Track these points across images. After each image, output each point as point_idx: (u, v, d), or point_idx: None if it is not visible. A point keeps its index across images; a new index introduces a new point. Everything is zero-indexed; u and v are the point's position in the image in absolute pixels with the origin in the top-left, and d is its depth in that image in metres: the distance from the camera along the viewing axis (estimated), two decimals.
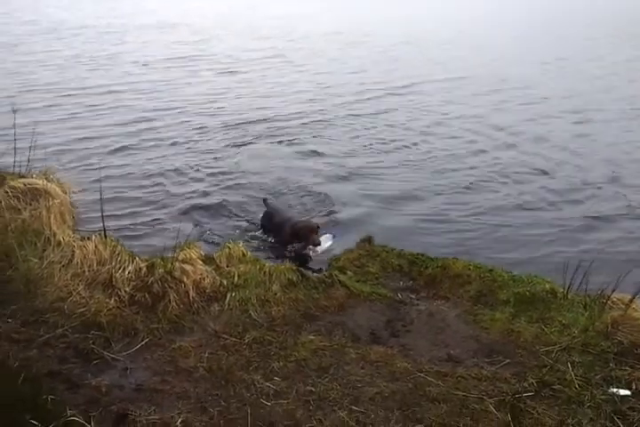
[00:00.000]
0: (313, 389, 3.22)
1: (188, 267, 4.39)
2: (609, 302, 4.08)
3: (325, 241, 5.60)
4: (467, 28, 27.41)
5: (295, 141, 9.81)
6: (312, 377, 3.33)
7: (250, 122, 10.73)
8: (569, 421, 2.98)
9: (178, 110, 11.40)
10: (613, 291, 4.05)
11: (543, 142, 10.04)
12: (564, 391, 3.21)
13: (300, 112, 11.63)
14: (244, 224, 6.43)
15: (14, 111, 6.13)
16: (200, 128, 10.26)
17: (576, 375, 3.34)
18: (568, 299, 4.23)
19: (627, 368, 3.43)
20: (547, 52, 20.40)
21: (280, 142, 9.73)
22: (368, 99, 13.07)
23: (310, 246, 5.46)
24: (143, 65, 15.83)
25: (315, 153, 9.21)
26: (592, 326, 3.80)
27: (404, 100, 13.16)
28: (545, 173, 8.54)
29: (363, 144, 9.77)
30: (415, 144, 9.80)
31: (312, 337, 3.74)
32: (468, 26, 28.65)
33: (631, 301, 3.93)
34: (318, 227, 5.62)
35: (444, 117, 11.63)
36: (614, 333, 3.70)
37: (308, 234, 5.45)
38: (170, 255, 4.41)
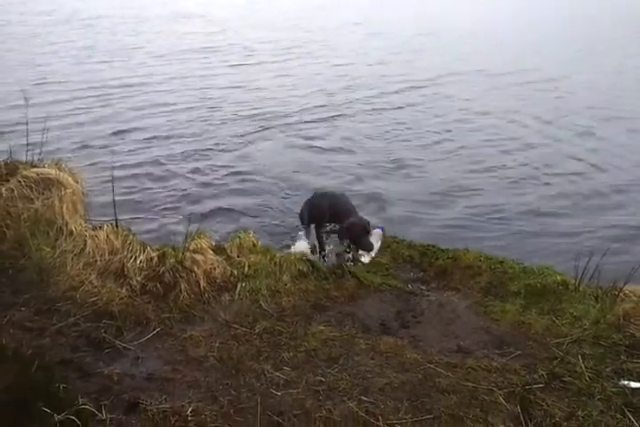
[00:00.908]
0: (323, 379, 3.23)
1: (198, 257, 4.40)
2: (621, 294, 4.05)
3: (377, 240, 4.88)
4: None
5: (318, 135, 9.72)
6: (322, 367, 3.34)
7: (268, 114, 10.65)
8: (579, 413, 2.97)
9: (193, 102, 11.36)
10: (625, 283, 4.01)
11: (575, 138, 9.90)
12: (574, 383, 3.20)
13: (322, 105, 11.46)
14: (261, 216, 6.43)
15: (27, 102, 6.15)
16: (218, 120, 10.25)
17: (587, 368, 3.32)
18: (579, 291, 4.20)
19: (638, 361, 3.41)
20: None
21: (300, 137, 9.64)
22: (394, 92, 12.84)
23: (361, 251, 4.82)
24: (159, 56, 15.70)
25: (340, 148, 9.11)
26: (603, 318, 3.77)
27: (429, 92, 12.91)
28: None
29: (389, 138, 9.64)
30: (440, 141, 9.61)
31: (322, 327, 3.75)
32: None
33: None
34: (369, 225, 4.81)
35: (469, 111, 11.50)
36: (626, 325, 3.68)
37: (360, 235, 4.70)
38: (181, 245, 4.43)
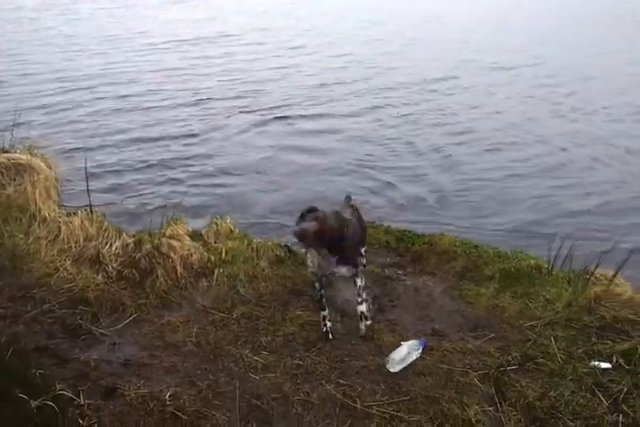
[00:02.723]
0: (300, 362, 3.26)
1: (175, 243, 4.37)
2: (592, 277, 4.14)
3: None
4: None
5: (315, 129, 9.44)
6: (300, 351, 3.36)
7: (257, 105, 10.34)
8: (551, 393, 3.04)
9: (178, 90, 11.06)
10: (597, 267, 4.10)
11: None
12: (546, 365, 3.28)
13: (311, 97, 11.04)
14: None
15: None
16: (203, 107, 10.07)
17: (559, 349, 3.40)
18: (552, 275, 4.28)
19: (608, 342, 3.50)
20: None
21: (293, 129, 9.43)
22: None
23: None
24: (149, 45, 15.15)
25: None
26: (575, 301, 3.85)
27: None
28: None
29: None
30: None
31: (300, 312, 3.77)
32: None
33: (614, 276, 3.98)
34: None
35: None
36: (597, 308, 3.76)
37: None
38: (157, 231, 4.39)
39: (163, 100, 10.30)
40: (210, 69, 12.74)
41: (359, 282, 3.53)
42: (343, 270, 3.47)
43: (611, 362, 3.30)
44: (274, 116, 9.75)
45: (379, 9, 22.51)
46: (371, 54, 14.70)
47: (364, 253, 4.19)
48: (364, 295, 3.63)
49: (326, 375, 3.16)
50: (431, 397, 3.03)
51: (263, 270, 4.26)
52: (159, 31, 16.95)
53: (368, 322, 3.58)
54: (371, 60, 14.03)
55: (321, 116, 9.90)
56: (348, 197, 4.27)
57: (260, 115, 9.80)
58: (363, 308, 3.57)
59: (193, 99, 10.45)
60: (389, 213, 6.39)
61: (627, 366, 3.26)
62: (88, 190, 4.81)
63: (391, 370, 3.20)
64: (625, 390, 3.07)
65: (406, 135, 8.97)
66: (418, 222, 6.03)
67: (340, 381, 3.12)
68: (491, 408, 2.97)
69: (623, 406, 2.98)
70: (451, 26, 19.36)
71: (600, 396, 3.06)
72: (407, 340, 3.46)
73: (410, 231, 5.39)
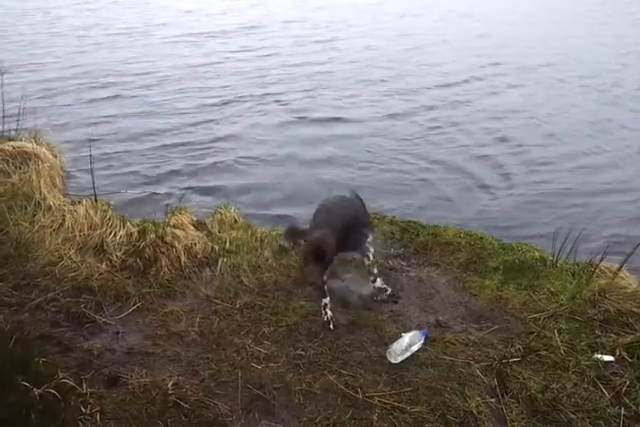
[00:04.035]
0: (303, 353, 3.27)
1: (179, 232, 4.38)
2: (597, 270, 4.12)
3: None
4: None
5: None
6: (302, 341, 3.37)
7: (268, 95, 10.27)
8: (553, 385, 3.05)
9: (185, 75, 11.11)
10: (602, 259, 4.08)
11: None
12: (549, 357, 3.27)
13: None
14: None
15: (2, 74, 5.97)
16: (209, 95, 10.02)
17: (562, 342, 3.39)
18: (557, 267, 4.27)
19: (611, 335, 3.49)
20: None
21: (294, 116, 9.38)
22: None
23: None
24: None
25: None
26: (580, 293, 3.84)
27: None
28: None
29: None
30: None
31: (303, 302, 3.76)
32: None
33: (619, 269, 3.96)
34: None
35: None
36: (601, 300, 3.75)
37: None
38: (161, 220, 4.40)
39: (176, 92, 10.20)
40: (227, 62, 12.59)
41: (367, 261, 3.73)
42: (352, 253, 3.76)
43: (614, 355, 3.30)
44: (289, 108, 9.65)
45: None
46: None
47: (369, 235, 3.93)
48: (376, 271, 3.81)
49: (328, 366, 3.17)
50: (433, 388, 3.04)
51: (267, 260, 4.26)
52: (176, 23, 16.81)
53: (388, 291, 3.80)
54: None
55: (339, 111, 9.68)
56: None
57: (278, 106, 9.73)
58: (378, 283, 3.81)
59: (205, 92, 10.32)
60: (397, 205, 6.36)
61: (629, 359, 3.26)
62: (93, 179, 4.81)
63: (392, 361, 3.20)
64: (627, 382, 3.07)
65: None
66: (424, 214, 6.00)
67: (342, 371, 3.13)
68: (492, 400, 2.97)
69: (625, 398, 2.98)
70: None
71: (602, 389, 3.07)
72: (409, 331, 3.46)
73: (415, 222, 5.36)
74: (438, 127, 9.02)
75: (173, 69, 11.56)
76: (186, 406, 2.79)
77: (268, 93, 10.27)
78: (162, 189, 6.33)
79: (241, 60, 12.57)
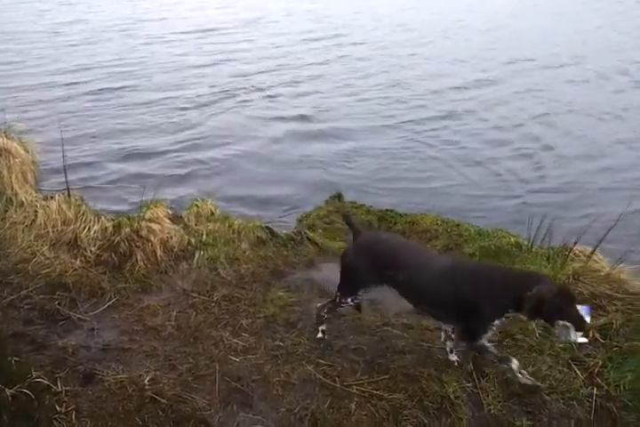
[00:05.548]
0: (281, 344, 3.26)
1: (154, 226, 4.33)
2: (571, 254, 4.17)
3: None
4: None
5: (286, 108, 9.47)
6: (280, 332, 3.37)
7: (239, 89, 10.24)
8: (529, 368, 3.08)
9: (158, 67, 11.04)
10: (575, 243, 4.13)
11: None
12: (525, 341, 3.31)
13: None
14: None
15: None
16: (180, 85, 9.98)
17: (537, 325, 3.43)
18: (532, 252, 4.31)
19: None
20: None
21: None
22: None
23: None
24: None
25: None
26: (554, 277, 3.88)
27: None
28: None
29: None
30: None
31: (281, 293, 3.76)
32: None
33: (592, 253, 4.02)
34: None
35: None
36: (575, 283, 3.79)
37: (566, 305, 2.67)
38: (136, 214, 4.35)
39: (152, 89, 10.06)
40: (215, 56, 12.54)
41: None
42: None
43: (587, 337, 3.33)
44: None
45: None
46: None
47: None
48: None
49: (306, 356, 3.17)
50: (411, 375, 3.05)
51: (244, 252, 4.25)
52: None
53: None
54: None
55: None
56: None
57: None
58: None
59: (183, 90, 10.15)
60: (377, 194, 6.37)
61: (602, 340, 3.31)
62: (66, 174, 4.75)
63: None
64: (600, 363, 3.12)
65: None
66: (404, 203, 6.02)
67: (320, 361, 3.13)
68: (469, 384, 3.00)
69: (598, 379, 3.03)
70: None
71: (576, 370, 3.11)
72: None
73: (392, 211, 5.39)
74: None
75: (151, 66, 11.43)
76: (163, 401, 2.77)
77: (251, 88, 10.21)
78: (138, 182, 6.23)
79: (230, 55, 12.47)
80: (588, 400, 2.91)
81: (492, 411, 2.84)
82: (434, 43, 14.29)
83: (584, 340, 3.25)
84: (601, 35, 15.57)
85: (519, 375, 2.88)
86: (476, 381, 3.03)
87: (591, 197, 6.46)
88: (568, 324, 2.61)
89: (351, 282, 3.10)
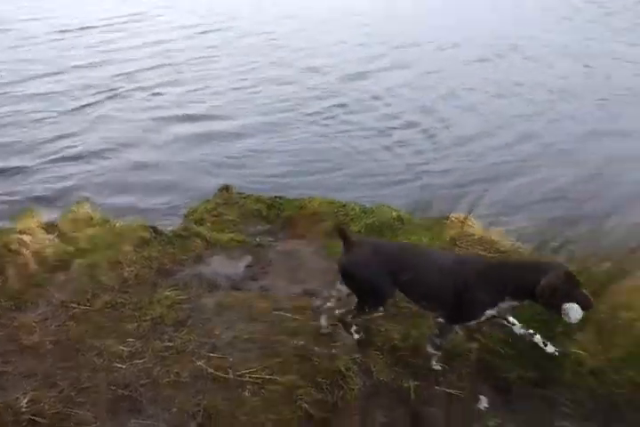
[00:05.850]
0: (170, 344, 3.18)
1: (26, 237, 4.08)
2: (449, 221, 4.39)
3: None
4: None
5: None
6: (169, 333, 3.28)
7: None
8: (413, 333, 3.20)
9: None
10: (451, 212, 4.35)
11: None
12: (408, 308, 3.43)
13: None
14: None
15: None
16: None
17: None
18: (413, 223, 4.48)
19: None
20: None
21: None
22: None
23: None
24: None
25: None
26: (434, 244, 4.07)
27: None
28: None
29: None
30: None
31: (168, 293, 3.66)
32: None
33: (465, 219, 4.25)
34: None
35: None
36: (452, 248, 4.00)
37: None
38: (6, 227, 4.06)
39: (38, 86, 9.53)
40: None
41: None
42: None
43: None
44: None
45: None
46: None
47: None
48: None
49: (197, 352, 3.11)
50: (302, 355, 3.08)
51: (127, 255, 4.08)
52: None
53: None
54: None
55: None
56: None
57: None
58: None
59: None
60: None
61: None
62: None
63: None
64: None
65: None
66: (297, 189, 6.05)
67: (212, 355, 3.09)
68: (358, 356, 3.07)
69: (477, 335, 3.21)
70: None
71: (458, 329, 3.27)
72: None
73: (281, 197, 5.40)
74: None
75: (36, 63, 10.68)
76: (43, 421, 2.62)
77: (135, 88, 9.81)
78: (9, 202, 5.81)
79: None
80: (469, 353, 3.08)
81: (382, 378, 2.93)
82: (332, 32, 14.36)
83: None
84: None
85: (544, 347, 2.93)
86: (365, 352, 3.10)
87: (481, 172, 6.80)
88: (575, 305, 2.67)
89: (376, 293, 2.98)
